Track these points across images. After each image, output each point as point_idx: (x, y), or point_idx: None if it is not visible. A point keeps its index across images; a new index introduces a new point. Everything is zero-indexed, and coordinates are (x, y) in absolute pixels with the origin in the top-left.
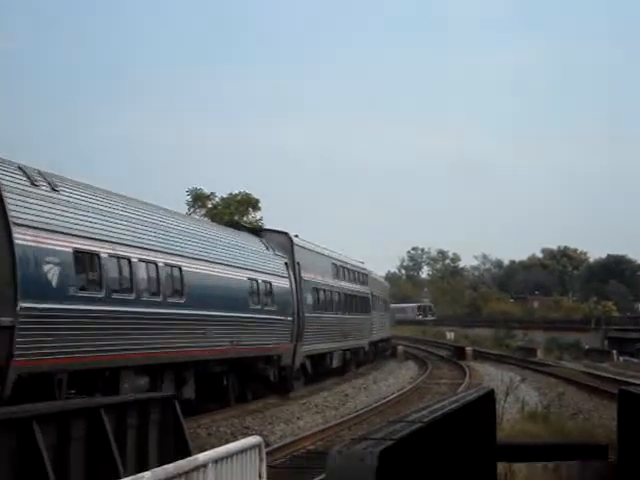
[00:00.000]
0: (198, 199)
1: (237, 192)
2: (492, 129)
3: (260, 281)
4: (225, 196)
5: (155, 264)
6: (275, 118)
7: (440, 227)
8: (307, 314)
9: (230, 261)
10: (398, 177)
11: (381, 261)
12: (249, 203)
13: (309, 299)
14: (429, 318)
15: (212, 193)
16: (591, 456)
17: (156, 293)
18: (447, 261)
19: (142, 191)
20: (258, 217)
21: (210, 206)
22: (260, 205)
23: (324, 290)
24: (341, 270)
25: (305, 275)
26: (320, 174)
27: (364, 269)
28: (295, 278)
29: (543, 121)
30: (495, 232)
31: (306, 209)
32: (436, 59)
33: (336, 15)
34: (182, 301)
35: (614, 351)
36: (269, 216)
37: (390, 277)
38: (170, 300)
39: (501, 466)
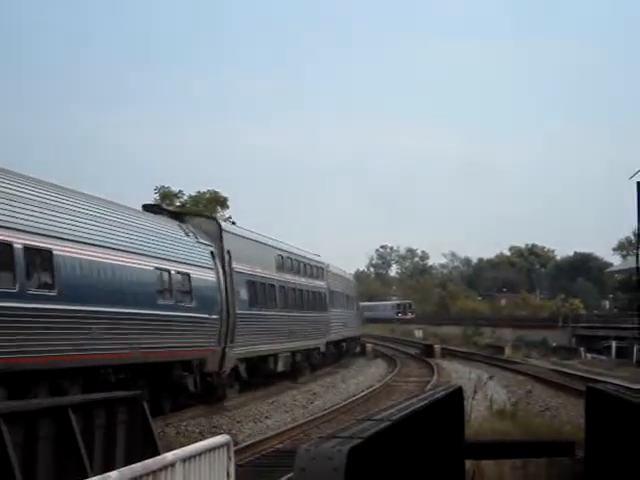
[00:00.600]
0: (166, 197)
1: (206, 190)
2: (459, 127)
3: (174, 272)
4: (193, 194)
5: (10, 245)
6: (250, 119)
7: (409, 225)
8: (241, 311)
9: (129, 247)
10: (366, 176)
11: (350, 259)
12: (218, 201)
13: (243, 294)
14: (409, 317)
15: (180, 191)
16: (559, 453)
17: (12, 283)
18: (416, 259)
19: (107, 190)
20: (227, 215)
21: (178, 204)
22: (229, 204)
23: (264, 284)
24: (288, 262)
25: (238, 266)
26: (291, 174)
27: (320, 262)
28: (224, 270)
29: (515, 117)
30: (463, 230)
31: (276, 209)
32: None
33: (332, 11)
34: (53, 293)
35: (582, 348)
36: (238, 215)
37: (359, 275)
38: (33, 292)
39: (469, 463)
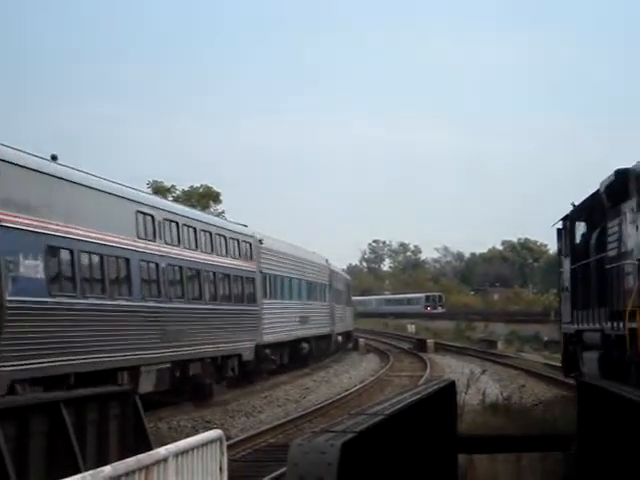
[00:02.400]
0: (159, 192)
1: (199, 185)
2: (454, 122)
3: None
4: (186, 189)
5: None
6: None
7: (401, 220)
8: (19, 298)
9: None
10: (359, 170)
11: (343, 254)
12: (210, 196)
13: (39, 272)
14: (439, 311)
15: (173, 186)
16: (552, 447)
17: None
18: (408, 254)
19: None
20: (220, 210)
21: (171, 199)
22: (221, 198)
23: (100, 256)
24: (168, 228)
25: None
26: (284, 169)
27: (248, 235)
28: None
29: (503, 114)
30: (456, 225)
31: (269, 203)
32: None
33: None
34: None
35: None
36: (232, 209)
37: (352, 270)
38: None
39: (462, 457)
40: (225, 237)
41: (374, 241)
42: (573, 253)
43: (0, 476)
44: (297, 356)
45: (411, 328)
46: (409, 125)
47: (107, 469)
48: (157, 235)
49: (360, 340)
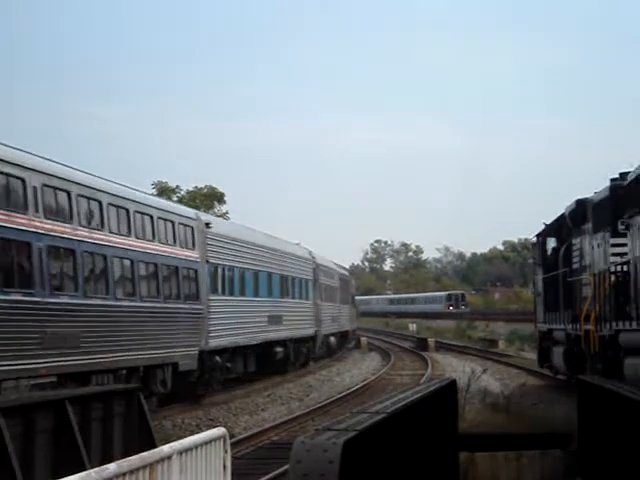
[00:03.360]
0: (163, 192)
1: (203, 185)
2: (456, 122)
3: None
4: (191, 189)
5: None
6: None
7: (403, 220)
8: None
9: None
10: (360, 171)
11: (345, 254)
12: (215, 196)
13: None
14: (462, 310)
15: (177, 186)
16: (552, 445)
17: None
18: (410, 253)
19: None
20: (224, 210)
21: (175, 199)
22: (225, 199)
23: None
24: (54, 197)
25: None
26: (285, 169)
27: (189, 217)
28: None
29: (507, 112)
30: (457, 225)
31: (272, 204)
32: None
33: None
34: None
35: None
36: (236, 210)
37: (354, 269)
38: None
39: (463, 456)
40: (152, 217)
41: (376, 241)
42: (545, 264)
43: (6, 473)
44: (269, 362)
45: (412, 327)
46: (411, 125)
47: (112, 466)
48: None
49: (362, 339)
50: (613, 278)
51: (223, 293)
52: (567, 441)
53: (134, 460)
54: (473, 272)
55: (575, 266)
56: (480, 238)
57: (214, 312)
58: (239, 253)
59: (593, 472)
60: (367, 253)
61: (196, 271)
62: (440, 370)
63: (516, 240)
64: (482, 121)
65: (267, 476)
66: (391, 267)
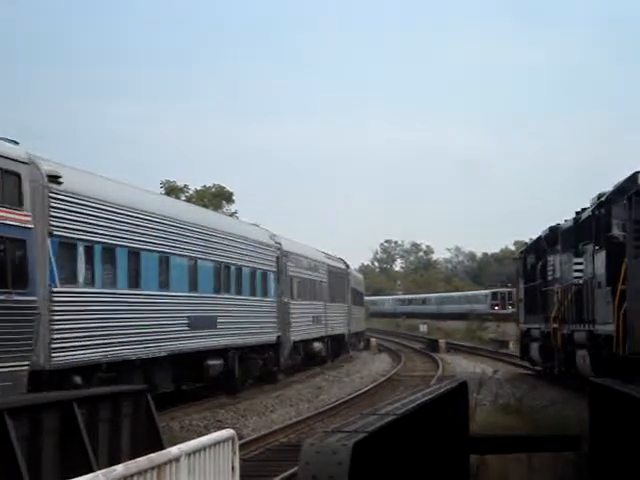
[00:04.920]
0: (172, 191)
1: (211, 185)
2: (462, 121)
3: None
4: (199, 188)
5: None
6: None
7: (413, 220)
8: None
9: None
10: (370, 170)
11: (355, 253)
12: (223, 196)
13: None
14: (509, 311)
15: (185, 185)
16: (563, 448)
17: None
18: (420, 254)
19: None
20: (233, 210)
21: (184, 198)
22: (234, 198)
23: None
24: None
25: None
26: (297, 168)
27: (12, 159)
28: None
29: (511, 117)
30: (468, 225)
31: (283, 203)
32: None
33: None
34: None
35: None
36: (244, 209)
37: (364, 270)
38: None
39: (474, 458)
40: None
41: (386, 241)
42: (525, 276)
43: (13, 474)
44: (202, 378)
45: (423, 328)
46: (424, 124)
47: (119, 468)
48: None
49: (372, 340)
50: (574, 289)
51: (89, 284)
52: (578, 443)
53: (142, 461)
54: (484, 272)
55: (549, 278)
56: (491, 238)
57: (62, 310)
58: (125, 226)
59: (604, 475)
60: (377, 253)
61: (24, 244)
62: (451, 371)
63: (528, 240)
64: (497, 120)
65: (276, 478)
66: (401, 267)
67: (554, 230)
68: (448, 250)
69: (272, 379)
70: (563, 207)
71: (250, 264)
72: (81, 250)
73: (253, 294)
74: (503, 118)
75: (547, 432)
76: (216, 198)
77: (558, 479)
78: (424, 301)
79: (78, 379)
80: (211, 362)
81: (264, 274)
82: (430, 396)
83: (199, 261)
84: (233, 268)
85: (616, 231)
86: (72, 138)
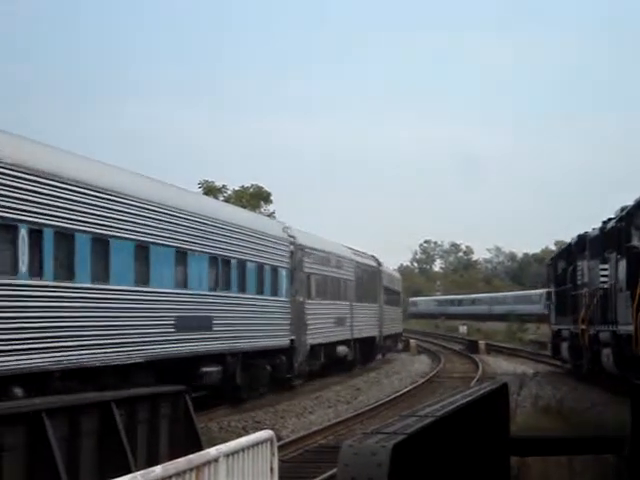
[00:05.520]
0: (210, 192)
1: (249, 185)
2: (500, 122)
3: None
4: (237, 189)
5: None
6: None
7: (453, 220)
8: None
9: None
10: (410, 170)
11: (394, 254)
12: (261, 196)
13: None
14: None
15: (224, 186)
16: (605, 450)
17: None
18: (460, 254)
19: None
20: (271, 210)
21: (222, 199)
22: (272, 198)
23: None
24: None
25: None
26: (335, 170)
27: None
28: None
29: (550, 116)
30: (508, 225)
31: (320, 203)
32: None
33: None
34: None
35: None
36: (282, 209)
37: (403, 270)
38: None
39: (514, 459)
40: None
41: (425, 241)
42: (556, 280)
43: (51, 475)
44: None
45: (462, 329)
46: (464, 124)
47: (158, 469)
48: None
49: (411, 341)
50: (600, 293)
51: (35, 274)
52: (620, 446)
53: (180, 462)
54: (524, 273)
55: (578, 282)
56: (532, 238)
57: None
58: (88, 208)
59: None
60: (416, 254)
61: None
62: (491, 373)
63: (569, 240)
64: (537, 122)
65: (315, 479)
66: (441, 268)
67: (582, 238)
68: (488, 250)
69: (286, 387)
70: (604, 207)
71: (256, 259)
72: (24, 234)
73: (260, 292)
74: (551, 119)
75: (588, 434)
76: (254, 199)
77: None
78: (473, 302)
79: (19, 390)
80: (206, 369)
81: (274, 270)
82: (470, 398)
83: (190, 253)
84: (234, 262)
85: (636, 242)
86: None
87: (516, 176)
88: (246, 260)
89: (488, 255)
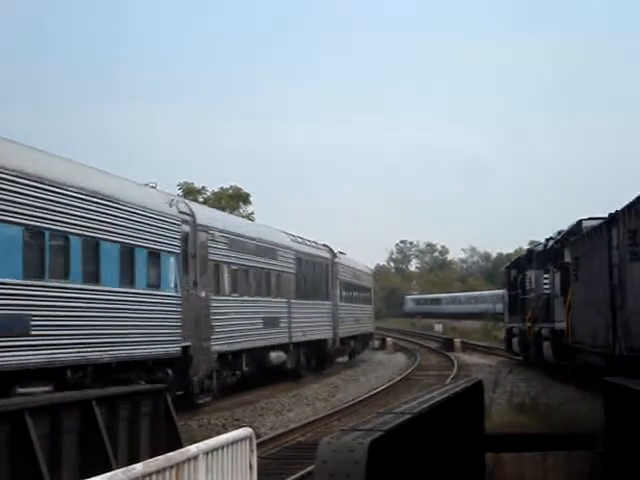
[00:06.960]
0: (189, 193)
1: (228, 186)
2: (480, 123)
3: None
4: (216, 190)
5: None
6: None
7: (428, 220)
8: None
9: None
10: (385, 170)
11: (370, 254)
12: (240, 197)
13: None
14: None
15: (203, 187)
16: (578, 446)
17: None
18: (435, 254)
19: None
20: (250, 211)
21: (201, 200)
22: (251, 199)
23: None
24: None
25: None
26: (311, 168)
27: None
28: None
29: (528, 116)
30: (483, 225)
31: (297, 202)
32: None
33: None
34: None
35: None
36: (261, 210)
37: (379, 270)
38: None
39: (489, 456)
40: None
41: (401, 241)
42: (509, 286)
43: (33, 473)
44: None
45: (438, 328)
46: (432, 125)
47: (138, 467)
48: None
49: (387, 340)
50: (543, 297)
51: None
52: (594, 442)
53: (161, 460)
54: (499, 272)
55: (527, 288)
56: (506, 238)
57: None
58: None
59: (620, 473)
60: (392, 253)
61: None
62: (466, 370)
63: (543, 240)
64: (513, 123)
65: (293, 476)
66: (416, 267)
67: (530, 252)
68: (463, 250)
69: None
70: (579, 207)
71: (118, 237)
72: None
73: (129, 283)
74: (526, 119)
75: (562, 430)
76: (233, 200)
77: (573, 477)
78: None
79: None
80: (25, 390)
81: (153, 256)
82: (446, 395)
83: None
84: (76, 241)
85: (567, 258)
86: (79, 137)
87: (498, 176)
88: (98, 238)
89: (463, 255)
